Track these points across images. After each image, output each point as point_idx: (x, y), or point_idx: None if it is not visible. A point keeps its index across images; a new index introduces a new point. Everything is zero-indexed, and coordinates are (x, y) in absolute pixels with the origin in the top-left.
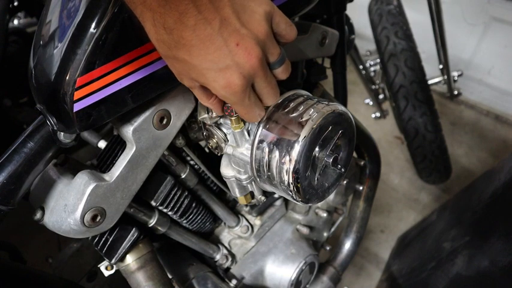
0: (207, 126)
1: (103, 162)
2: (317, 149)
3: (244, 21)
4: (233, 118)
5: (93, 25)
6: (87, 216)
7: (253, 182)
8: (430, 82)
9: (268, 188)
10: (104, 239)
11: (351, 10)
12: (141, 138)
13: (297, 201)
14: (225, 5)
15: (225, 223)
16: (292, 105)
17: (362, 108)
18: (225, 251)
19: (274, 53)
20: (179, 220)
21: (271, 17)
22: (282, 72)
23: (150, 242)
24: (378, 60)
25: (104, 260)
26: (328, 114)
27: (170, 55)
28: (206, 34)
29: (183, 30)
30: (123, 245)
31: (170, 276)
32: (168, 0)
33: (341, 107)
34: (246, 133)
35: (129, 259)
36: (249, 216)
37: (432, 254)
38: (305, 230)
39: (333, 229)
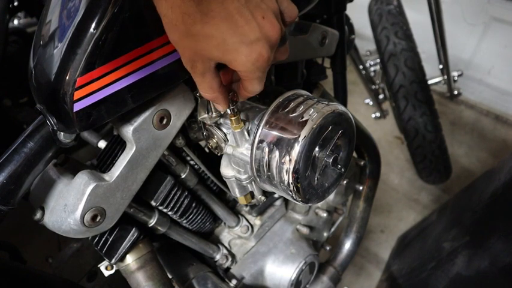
0: (207, 126)
1: (103, 162)
2: (317, 149)
3: None
4: (233, 118)
5: (93, 25)
6: (87, 216)
7: (253, 182)
8: (430, 82)
9: (268, 188)
10: (103, 239)
11: (350, 10)
12: (141, 138)
13: (297, 201)
14: None
15: (225, 223)
16: (292, 105)
17: (362, 108)
18: (225, 251)
19: (283, 28)
20: (179, 220)
21: None
22: (283, 52)
23: (150, 242)
24: (378, 60)
25: (104, 260)
26: (328, 114)
27: (193, 31)
28: (234, 7)
29: (211, 1)
30: (123, 245)
31: (170, 276)
32: None
33: (341, 107)
34: (246, 133)
35: (129, 259)
36: (249, 216)
37: (432, 254)
38: (305, 230)
39: (333, 229)
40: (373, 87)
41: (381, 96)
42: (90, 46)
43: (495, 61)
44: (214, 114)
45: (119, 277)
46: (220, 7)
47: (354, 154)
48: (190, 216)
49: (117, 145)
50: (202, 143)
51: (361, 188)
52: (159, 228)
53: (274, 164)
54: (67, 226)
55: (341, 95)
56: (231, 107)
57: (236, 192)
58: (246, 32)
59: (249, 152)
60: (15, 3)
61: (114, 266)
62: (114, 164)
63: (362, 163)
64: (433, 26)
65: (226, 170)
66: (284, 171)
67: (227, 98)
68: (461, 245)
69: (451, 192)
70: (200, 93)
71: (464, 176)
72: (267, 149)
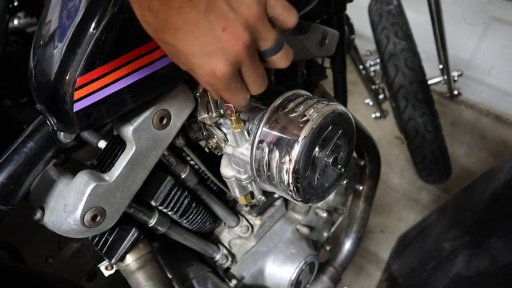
0: (207, 126)
1: (103, 162)
2: (317, 149)
3: (233, 5)
4: (233, 118)
5: (93, 25)
6: (87, 216)
7: (253, 182)
8: (430, 82)
9: (268, 188)
10: (103, 239)
11: (350, 10)
12: (141, 138)
13: (297, 201)
14: None
15: (225, 223)
16: (292, 105)
17: (362, 108)
18: (225, 251)
19: (268, 39)
20: (179, 220)
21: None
22: (279, 60)
23: (150, 242)
24: (378, 60)
25: (104, 260)
26: (328, 114)
27: (158, 38)
28: (192, 17)
29: (168, 13)
30: (123, 245)
31: (170, 276)
32: None
33: (341, 107)
34: (246, 133)
35: (129, 259)
36: (249, 216)
37: (432, 254)
38: (305, 230)
39: (333, 229)
40: (373, 87)
41: (381, 96)
42: (90, 46)
43: (495, 61)
44: (214, 114)
45: (119, 277)
46: (177, 17)
47: (354, 154)
48: (190, 216)
49: (117, 145)
50: (202, 143)
51: (361, 188)
52: (159, 228)
53: (274, 164)
54: (67, 226)
55: (341, 95)
56: (231, 107)
57: (236, 192)
58: (200, 44)
59: (249, 152)
60: (15, 3)
61: (114, 266)
62: (114, 164)
63: (362, 163)
64: (433, 26)
65: (226, 170)
66: (284, 171)
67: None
68: (461, 245)
69: (451, 192)
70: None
71: (464, 176)
72: (267, 149)
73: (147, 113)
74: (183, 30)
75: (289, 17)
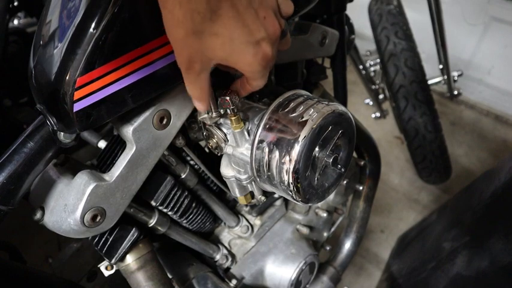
0: (207, 126)
1: (103, 162)
2: (317, 149)
3: None
4: (233, 118)
5: (93, 25)
6: (87, 216)
7: (253, 182)
8: (430, 82)
9: (268, 188)
10: (103, 239)
11: (350, 10)
12: (141, 138)
13: (297, 201)
14: None
15: (225, 223)
16: (292, 105)
17: (362, 108)
18: (225, 251)
19: (282, 23)
20: (179, 220)
21: None
22: (284, 44)
23: (150, 242)
24: (378, 60)
25: (104, 260)
26: (328, 114)
27: (200, 29)
28: (242, 5)
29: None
30: (123, 245)
31: (170, 276)
32: None
33: (341, 107)
34: (246, 133)
35: (129, 259)
36: (249, 216)
37: (432, 254)
38: (305, 230)
39: (333, 229)
40: (373, 87)
41: (381, 96)
42: (90, 46)
43: (495, 61)
44: (214, 114)
45: (118, 277)
46: (229, 5)
47: (354, 154)
48: (190, 216)
49: (117, 145)
50: (202, 143)
51: (361, 188)
52: (159, 228)
53: (274, 164)
54: (67, 226)
55: (341, 95)
56: (231, 107)
57: (236, 192)
58: (253, 31)
59: (249, 152)
60: (15, 3)
61: (114, 266)
62: (114, 164)
63: (362, 163)
64: (433, 26)
65: (226, 170)
66: (284, 171)
67: (210, 98)
68: (461, 245)
69: (451, 192)
70: (188, 91)
71: (464, 176)
72: (267, 149)
73: (147, 113)
74: (235, 17)
75: (288, 5)
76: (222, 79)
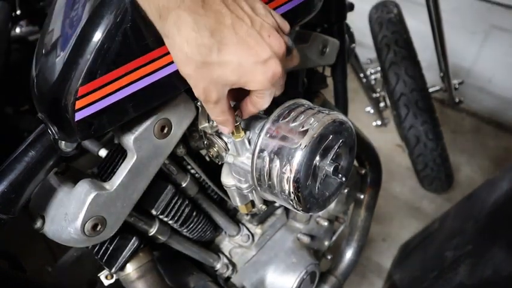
0: (207, 135)
1: (104, 171)
2: (318, 158)
3: (262, 15)
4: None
5: (96, 34)
6: (88, 225)
7: (254, 191)
8: (431, 90)
9: (269, 197)
10: (104, 247)
11: (351, 19)
12: (142, 147)
13: (297, 210)
14: (242, 2)
15: (225, 232)
16: (292, 114)
17: (363, 117)
18: (225, 260)
19: (286, 40)
20: (180, 229)
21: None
22: (292, 60)
23: (150, 251)
24: (379, 69)
25: (104, 269)
26: (328, 124)
27: (209, 61)
28: (244, 31)
29: (223, 30)
30: (124, 254)
31: (170, 285)
32: (205, 1)
33: (341, 116)
34: (246, 142)
35: (129, 268)
36: (249, 225)
37: (434, 263)
38: (306, 239)
39: (334, 238)
40: (374, 95)
41: (382, 105)
42: (92, 55)
43: (496, 69)
44: (215, 123)
45: (119, 286)
46: (232, 33)
47: (355, 163)
48: (191, 225)
49: (118, 154)
50: (203, 152)
51: (362, 196)
52: (160, 237)
53: (275, 173)
54: (67, 235)
55: (342, 104)
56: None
57: (237, 201)
58: (259, 52)
59: (250, 161)
60: (18, 12)
61: (114, 275)
62: (115, 172)
63: (363, 171)
64: (433, 34)
65: (227, 179)
66: (285, 180)
67: (234, 119)
68: (463, 254)
69: (453, 201)
70: (212, 119)
71: (466, 184)
72: (267, 158)
73: (148, 122)
74: (240, 43)
75: (284, 24)
76: None
